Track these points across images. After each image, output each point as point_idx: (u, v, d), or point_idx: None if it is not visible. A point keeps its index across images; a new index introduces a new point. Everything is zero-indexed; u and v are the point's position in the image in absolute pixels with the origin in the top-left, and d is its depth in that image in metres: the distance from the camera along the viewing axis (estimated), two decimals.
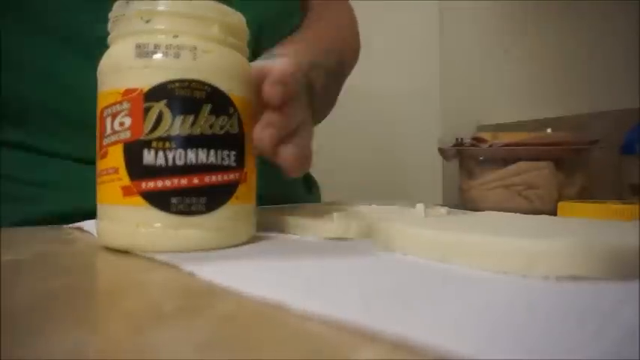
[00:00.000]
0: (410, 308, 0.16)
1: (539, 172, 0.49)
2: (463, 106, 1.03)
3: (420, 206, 0.35)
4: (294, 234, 0.32)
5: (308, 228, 0.32)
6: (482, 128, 0.94)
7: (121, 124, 0.26)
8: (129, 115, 0.26)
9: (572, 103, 0.85)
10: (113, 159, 0.26)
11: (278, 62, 0.32)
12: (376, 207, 0.42)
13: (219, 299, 0.17)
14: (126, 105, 0.26)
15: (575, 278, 0.19)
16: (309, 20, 0.59)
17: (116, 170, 0.26)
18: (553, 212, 0.40)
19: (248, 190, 0.29)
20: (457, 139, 0.56)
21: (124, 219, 0.26)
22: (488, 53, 1.00)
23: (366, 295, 0.17)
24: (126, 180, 0.26)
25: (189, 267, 0.21)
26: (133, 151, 0.26)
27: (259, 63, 0.33)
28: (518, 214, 0.32)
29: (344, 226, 0.31)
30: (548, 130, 0.54)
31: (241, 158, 0.28)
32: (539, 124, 0.59)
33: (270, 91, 0.29)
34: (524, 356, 0.12)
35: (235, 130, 0.28)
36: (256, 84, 0.30)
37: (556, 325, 0.14)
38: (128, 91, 0.26)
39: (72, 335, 0.14)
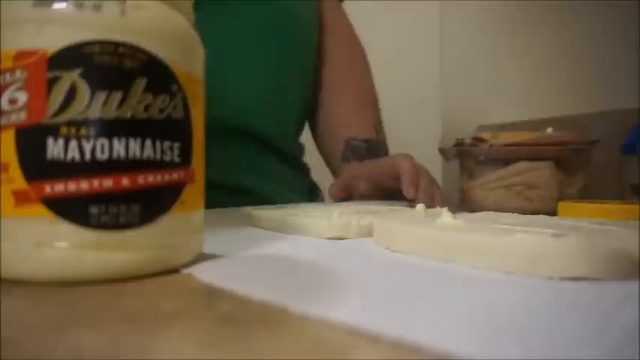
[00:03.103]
0: (411, 308, 0.15)
1: (540, 172, 0.49)
2: (463, 106, 1.03)
3: (420, 206, 0.35)
4: (295, 234, 0.32)
5: (308, 228, 0.31)
6: (482, 128, 0.94)
7: (13, 101, 0.19)
8: (24, 88, 0.19)
9: (572, 103, 0.85)
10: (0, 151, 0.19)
11: (403, 165, 0.52)
12: (376, 206, 0.42)
13: (219, 299, 0.17)
14: (20, 74, 0.19)
15: (576, 278, 0.19)
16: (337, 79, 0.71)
17: (5, 168, 0.19)
18: (553, 212, 0.40)
19: (196, 193, 0.22)
20: (457, 139, 0.56)
21: (17, 237, 0.19)
22: (489, 53, 1.00)
23: (366, 295, 0.17)
24: (20, 181, 0.18)
25: (187, 269, 0.21)
26: (30, 140, 0.19)
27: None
28: (518, 215, 0.32)
29: (344, 226, 0.30)
30: (549, 130, 0.54)
31: (188, 152, 0.22)
32: (540, 124, 0.59)
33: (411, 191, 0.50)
34: (526, 356, 0.12)
35: (180, 114, 0.21)
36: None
37: (557, 325, 0.14)
38: (23, 55, 0.19)
39: (72, 335, 0.14)
